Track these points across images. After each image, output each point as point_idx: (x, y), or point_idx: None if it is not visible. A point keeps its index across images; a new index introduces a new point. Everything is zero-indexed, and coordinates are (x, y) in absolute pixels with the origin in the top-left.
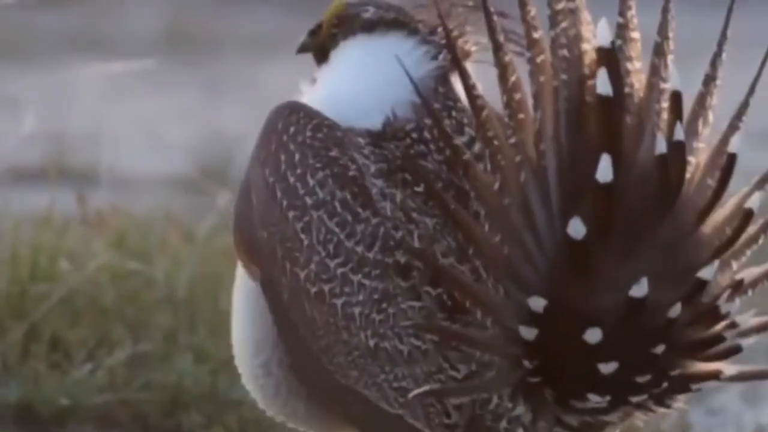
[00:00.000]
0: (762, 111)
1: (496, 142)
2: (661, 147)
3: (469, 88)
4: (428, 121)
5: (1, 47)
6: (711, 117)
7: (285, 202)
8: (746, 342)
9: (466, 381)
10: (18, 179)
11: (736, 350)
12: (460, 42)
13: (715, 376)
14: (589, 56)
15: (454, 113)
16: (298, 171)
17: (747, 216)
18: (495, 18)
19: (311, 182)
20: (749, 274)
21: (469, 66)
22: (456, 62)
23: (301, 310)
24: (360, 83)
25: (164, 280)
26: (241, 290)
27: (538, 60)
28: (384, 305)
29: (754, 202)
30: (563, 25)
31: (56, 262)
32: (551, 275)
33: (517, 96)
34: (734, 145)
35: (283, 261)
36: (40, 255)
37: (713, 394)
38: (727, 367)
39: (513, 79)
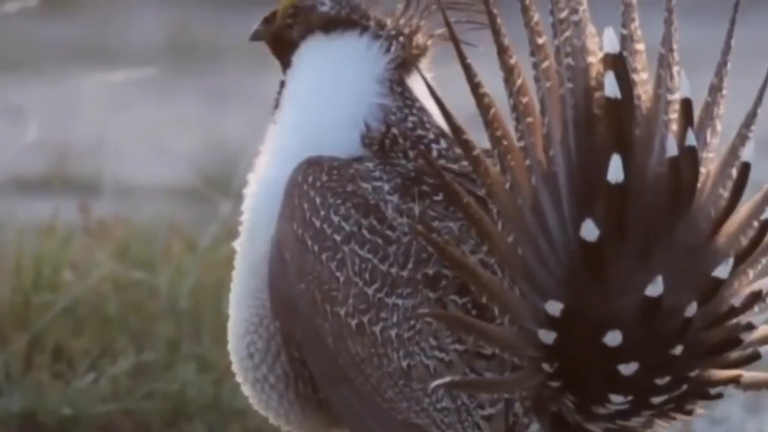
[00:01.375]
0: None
1: (504, 142)
2: (672, 150)
3: (474, 86)
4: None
5: (4, 57)
6: (719, 126)
7: (316, 247)
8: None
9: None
10: (21, 188)
11: (755, 357)
12: (415, 37)
13: (735, 380)
14: (596, 68)
15: (414, 111)
16: (322, 213)
17: (765, 225)
18: (499, 20)
19: (336, 219)
20: (766, 284)
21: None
22: (461, 58)
23: (347, 351)
24: (329, 99)
25: (167, 289)
26: (237, 271)
27: (544, 66)
28: (412, 321)
29: None
30: (567, 34)
31: (59, 272)
32: (567, 279)
33: (525, 99)
34: (747, 154)
35: (323, 306)
36: (44, 264)
37: (716, 403)
38: (745, 374)
39: (519, 82)
